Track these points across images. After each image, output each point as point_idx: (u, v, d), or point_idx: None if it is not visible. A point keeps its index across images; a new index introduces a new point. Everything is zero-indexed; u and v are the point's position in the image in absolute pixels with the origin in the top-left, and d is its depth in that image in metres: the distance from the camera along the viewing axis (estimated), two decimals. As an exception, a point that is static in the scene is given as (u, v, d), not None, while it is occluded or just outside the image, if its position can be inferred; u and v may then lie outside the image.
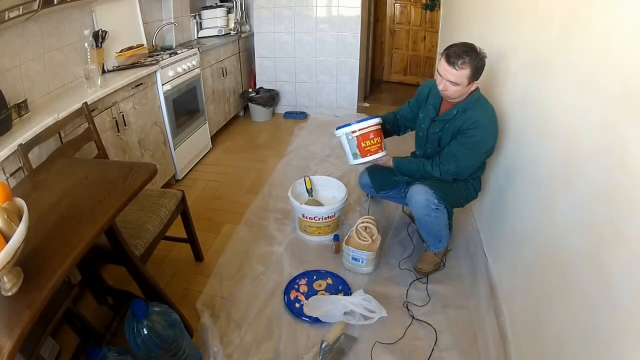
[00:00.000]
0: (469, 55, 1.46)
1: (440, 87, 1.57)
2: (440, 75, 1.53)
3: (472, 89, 1.54)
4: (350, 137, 1.71)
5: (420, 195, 1.63)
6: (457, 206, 1.80)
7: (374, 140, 1.71)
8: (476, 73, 1.49)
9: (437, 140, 1.71)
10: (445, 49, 1.53)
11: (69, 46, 2.08)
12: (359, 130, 1.69)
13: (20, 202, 0.89)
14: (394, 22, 5.08)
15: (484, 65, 1.50)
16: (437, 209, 1.64)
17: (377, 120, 1.73)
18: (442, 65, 1.52)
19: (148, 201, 1.64)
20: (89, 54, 2.01)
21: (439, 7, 4.12)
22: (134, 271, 1.39)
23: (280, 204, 2.40)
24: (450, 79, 1.50)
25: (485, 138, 1.59)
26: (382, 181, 1.95)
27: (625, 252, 0.86)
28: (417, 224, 1.80)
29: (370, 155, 1.73)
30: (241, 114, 4.05)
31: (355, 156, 1.74)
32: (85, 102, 1.75)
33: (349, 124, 1.71)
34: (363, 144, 1.71)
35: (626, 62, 0.90)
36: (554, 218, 1.22)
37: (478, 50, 1.49)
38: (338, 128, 1.75)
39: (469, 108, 1.58)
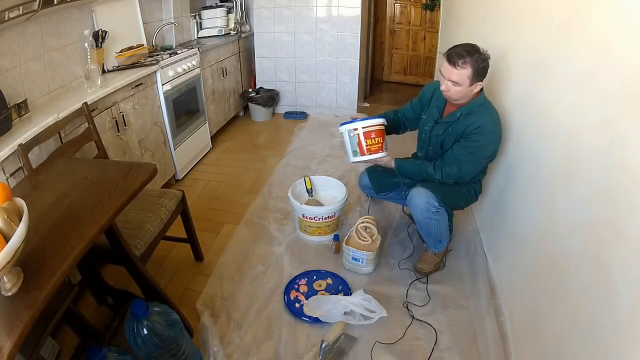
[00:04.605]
0: (470, 55, 1.45)
1: (442, 88, 1.57)
2: (443, 76, 1.54)
3: (476, 90, 1.53)
4: (351, 135, 1.71)
5: (421, 198, 1.63)
6: (456, 209, 1.80)
7: (375, 140, 1.71)
8: (478, 74, 1.48)
9: (440, 143, 1.70)
10: (448, 49, 1.53)
11: (69, 46, 2.08)
12: (361, 128, 1.69)
13: (20, 202, 0.89)
14: (394, 22, 5.08)
15: (488, 66, 1.49)
16: (437, 212, 1.64)
17: (380, 120, 1.72)
18: (443, 66, 1.52)
19: (148, 201, 1.64)
20: (89, 54, 2.01)
21: (439, 7, 4.12)
22: (134, 271, 1.39)
23: (280, 204, 2.40)
24: (452, 79, 1.50)
25: (489, 143, 1.57)
26: (382, 183, 1.95)
27: (625, 252, 0.86)
28: (417, 226, 1.79)
29: (370, 154, 1.72)
30: (241, 114, 4.05)
31: (355, 154, 1.74)
32: (85, 102, 1.75)
33: (353, 121, 1.71)
34: (363, 143, 1.71)
35: (626, 62, 0.90)
36: (554, 218, 1.22)
37: (481, 51, 1.48)
38: (342, 124, 1.75)
39: (473, 112, 1.57)
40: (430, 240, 1.80)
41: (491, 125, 1.56)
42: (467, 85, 1.50)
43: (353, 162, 1.80)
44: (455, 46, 1.51)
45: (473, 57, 1.45)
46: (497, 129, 1.58)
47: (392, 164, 1.77)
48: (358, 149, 1.72)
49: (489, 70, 1.51)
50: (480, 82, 1.51)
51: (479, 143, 1.56)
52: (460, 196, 1.73)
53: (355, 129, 1.69)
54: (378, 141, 1.71)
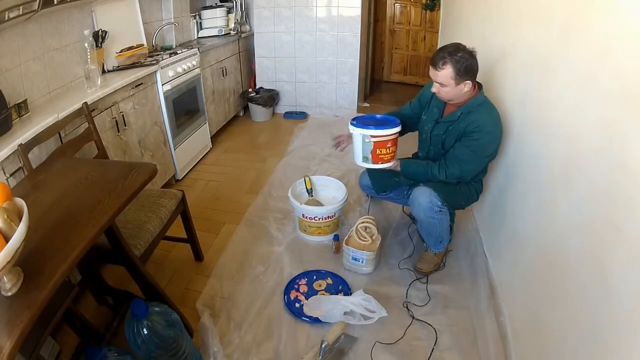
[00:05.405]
0: (451, 55, 1.47)
1: (433, 90, 1.60)
2: (432, 78, 1.57)
3: (466, 89, 1.54)
4: (367, 140, 1.61)
5: (424, 198, 1.63)
6: (458, 208, 1.80)
7: (389, 149, 1.64)
8: (463, 73, 1.48)
9: (441, 143, 1.70)
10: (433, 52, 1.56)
11: (69, 46, 2.08)
12: (379, 137, 1.60)
13: (20, 202, 0.89)
14: (394, 22, 5.08)
15: (474, 64, 1.50)
16: (440, 211, 1.64)
17: (398, 129, 1.64)
18: (430, 68, 1.55)
19: (148, 201, 1.64)
20: (89, 54, 2.01)
21: (439, 7, 4.12)
22: (134, 271, 1.39)
23: (280, 204, 2.40)
24: (437, 80, 1.53)
25: (490, 141, 1.58)
26: (383, 183, 1.94)
27: (624, 252, 0.86)
28: (419, 226, 1.79)
29: (382, 163, 1.67)
30: (241, 114, 4.05)
31: (365, 160, 1.67)
32: (85, 102, 1.75)
33: (367, 127, 1.61)
34: (378, 151, 1.63)
35: (626, 62, 0.90)
36: (554, 218, 1.22)
37: (465, 49, 1.49)
38: (354, 122, 1.65)
39: (472, 111, 1.57)
40: (431, 241, 1.80)
41: (491, 123, 1.56)
42: (454, 85, 1.51)
43: (358, 165, 1.74)
44: (439, 48, 1.54)
45: (454, 57, 1.46)
46: (498, 127, 1.59)
47: (398, 168, 1.75)
48: (370, 157, 1.65)
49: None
50: (468, 81, 1.52)
51: (480, 142, 1.56)
52: (462, 195, 1.73)
53: (373, 136, 1.59)
54: (392, 150, 1.65)
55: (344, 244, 1.85)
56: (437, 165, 1.67)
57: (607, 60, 0.98)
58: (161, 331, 1.18)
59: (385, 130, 1.60)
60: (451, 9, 3.34)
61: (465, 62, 1.47)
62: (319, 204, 2.16)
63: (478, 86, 1.60)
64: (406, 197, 1.85)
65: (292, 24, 3.73)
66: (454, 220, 1.80)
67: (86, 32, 2.05)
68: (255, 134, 3.63)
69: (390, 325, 1.57)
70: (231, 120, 3.78)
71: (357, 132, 1.62)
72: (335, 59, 3.78)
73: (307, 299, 1.66)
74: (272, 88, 3.98)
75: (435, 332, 1.54)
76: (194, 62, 2.83)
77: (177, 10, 3.16)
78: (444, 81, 1.51)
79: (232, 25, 3.72)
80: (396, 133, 1.64)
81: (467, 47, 1.50)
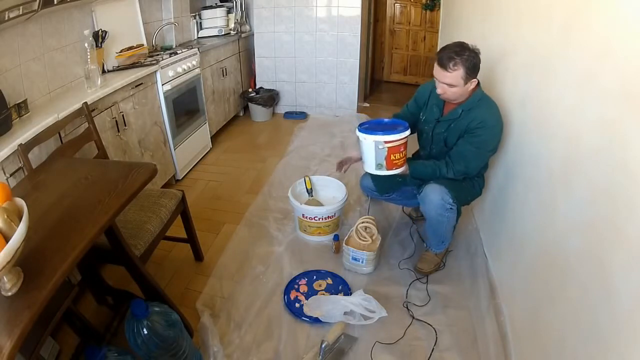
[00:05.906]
0: (459, 55, 1.47)
1: (438, 91, 1.58)
2: (437, 80, 1.55)
3: (471, 87, 1.54)
4: (380, 147, 1.52)
5: (436, 195, 1.62)
6: (463, 204, 1.79)
7: (402, 154, 1.57)
8: (471, 71, 1.49)
9: (444, 141, 1.70)
10: (437, 53, 1.55)
11: (69, 46, 2.08)
12: (393, 141, 1.51)
13: (20, 202, 0.89)
14: (394, 22, 5.08)
15: (479, 62, 1.51)
16: (450, 208, 1.64)
17: (409, 131, 1.56)
18: (436, 70, 1.54)
19: (148, 201, 1.64)
20: (89, 54, 2.01)
21: (439, 7, 4.12)
22: (134, 271, 1.39)
23: (280, 204, 2.40)
24: (446, 82, 1.52)
25: (492, 136, 1.59)
26: (386, 184, 1.92)
27: (624, 252, 0.86)
28: (427, 224, 1.78)
29: (396, 168, 1.58)
30: (241, 114, 4.05)
31: (379, 167, 1.57)
32: (85, 102, 1.75)
33: (377, 131, 1.53)
34: (392, 157, 1.54)
35: (626, 62, 0.90)
36: (554, 218, 1.22)
37: (470, 47, 1.49)
38: (362, 128, 1.57)
39: (473, 107, 1.58)
40: (434, 240, 1.80)
41: (493, 118, 1.57)
42: (462, 85, 1.51)
43: (370, 172, 1.67)
44: (443, 48, 1.53)
45: (463, 56, 1.46)
46: (499, 121, 1.59)
47: (407, 171, 1.70)
48: (384, 163, 1.56)
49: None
50: (474, 79, 1.52)
51: (482, 137, 1.57)
52: (468, 191, 1.74)
53: (387, 142, 1.51)
54: (404, 154, 1.59)
55: (344, 244, 1.85)
56: (444, 163, 1.67)
57: (607, 60, 0.98)
58: (161, 331, 1.18)
59: (398, 134, 1.52)
60: (451, 9, 3.34)
61: (472, 60, 1.48)
62: (319, 204, 2.16)
63: (477, 82, 1.60)
64: (408, 198, 1.85)
65: (292, 24, 3.73)
66: (458, 221, 1.80)
67: (86, 32, 2.05)
68: (255, 134, 3.63)
69: (390, 325, 1.57)
70: (231, 120, 3.78)
71: (370, 140, 1.53)
72: (335, 59, 3.78)
73: (307, 299, 1.66)
74: (272, 88, 3.98)
75: (435, 332, 1.54)
76: (194, 62, 2.83)
77: (177, 10, 3.16)
78: (453, 82, 1.50)
79: (232, 25, 3.72)
80: (408, 135, 1.58)
81: (470, 44, 1.50)
